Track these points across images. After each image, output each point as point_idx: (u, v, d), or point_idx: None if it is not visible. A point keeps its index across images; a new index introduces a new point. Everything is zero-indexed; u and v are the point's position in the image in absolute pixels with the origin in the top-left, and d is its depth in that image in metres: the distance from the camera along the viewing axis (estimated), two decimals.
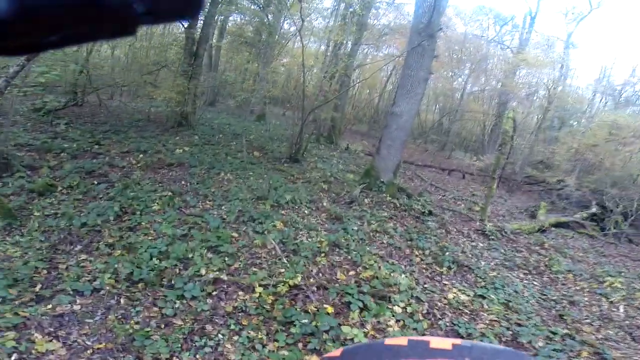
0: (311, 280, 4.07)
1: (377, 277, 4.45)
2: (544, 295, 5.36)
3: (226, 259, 4.05)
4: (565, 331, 4.38)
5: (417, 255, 5.52)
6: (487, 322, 4.33)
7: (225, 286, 3.63)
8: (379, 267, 4.73)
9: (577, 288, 5.83)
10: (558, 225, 9.38)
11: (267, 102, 11.20)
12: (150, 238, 4.11)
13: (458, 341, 0.33)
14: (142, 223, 4.41)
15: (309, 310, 3.52)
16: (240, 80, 10.44)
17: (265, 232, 4.84)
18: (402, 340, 0.34)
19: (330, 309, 3.60)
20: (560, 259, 6.77)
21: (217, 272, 3.70)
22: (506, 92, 13.82)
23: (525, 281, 5.75)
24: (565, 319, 4.72)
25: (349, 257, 4.84)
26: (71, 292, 3.06)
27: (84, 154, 6.19)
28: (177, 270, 3.64)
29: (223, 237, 4.44)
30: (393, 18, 15.46)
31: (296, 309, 3.50)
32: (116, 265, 3.43)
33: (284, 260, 4.22)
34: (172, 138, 8.19)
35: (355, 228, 5.66)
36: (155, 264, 3.59)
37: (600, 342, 4.30)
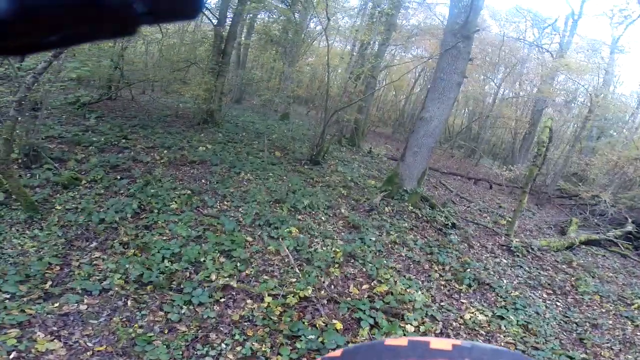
0: (322, 292, 3.95)
1: (391, 293, 4.29)
2: (567, 317, 5.13)
3: (238, 264, 4.00)
4: (583, 356, 4.22)
5: (436, 271, 5.29)
6: (502, 344, 4.13)
7: (234, 293, 3.57)
8: (395, 282, 4.55)
9: (603, 310, 5.57)
10: (589, 242, 8.81)
11: (291, 102, 11.14)
12: (164, 238, 4.13)
13: (458, 342, 0.32)
14: (159, 222, 4.44)
15: (317, 325, 3.41)
16: (266, 79, 10.39)
17: (280, 239, 4.76)
18: (403, 341, 0.34)
19: (339, 325, 3.47)
20: (588, 279, 6.39)
21: (228, 279, 3.65)
22: (542, 99, 13.04)
23: (548, 302, 5.48)
24: (585, 342, 4.54)
25: (364, 269, 4.69)
26: (80, 291, 3.09)
27: (111, 148, 6.35)
28: (188, 274, 3.62)
29: (237, 241, 4.40)
30: (423, 18, 14.98)
31: (304, 323, 3.40)
32: (127, 266, 3.44)
33: (297, 270, 4.12)
34: (196, 135, 8.29)
35: (373, 239, 5.49)
36: (167, 267, 3.58)
37: None
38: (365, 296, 4.16)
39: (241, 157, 7.81)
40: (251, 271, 3.99)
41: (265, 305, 3.48)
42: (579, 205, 11.99)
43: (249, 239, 4.66)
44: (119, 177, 5.40)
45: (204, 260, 3.88)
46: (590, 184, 11.95)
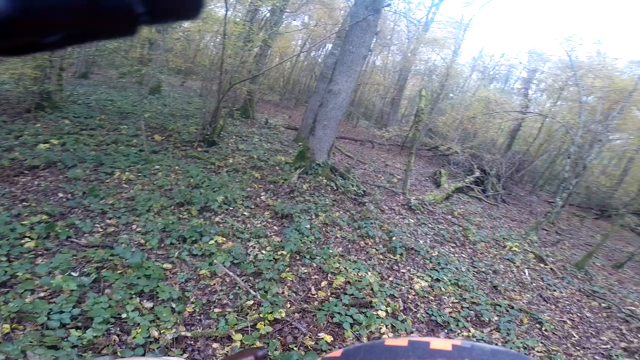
0: (289, 305, 3.42)
1: (349, 282, 4.08)
2: (475, 267, 5.77)
3: (173, 305, 3.02)
4: (506, 302, 4.81)
5: (370, 246, 5.33)
6: (451, 305, 4.43)
7: (192, 343, 2.68)
8: (346, 270, 4.34)
9: (491, 255, 6.48)
10: (456, 190, 10.55)
11: (164, 73, 9.13)
12: (43, 296, 2.71)
13: (458, 342, 0.32)
14: (19, 274, 2.87)
15: (309, 346, 2.92)
16: (125, 48, 8.04)
17: (207, 254, 3.85)
18: (403, 341, 0.33)
19: (327, 338, 3.07)
20: (471, 228, 7.51)
21: (174, 329, 2.70)
22: (407, 68, 14.62)
23: (456, 255, 6.14)
24: (499, 289, 5.20)
25: (314, 264, 4.30)
26: None
27: None
28: (117, 338, 2.51)
29: (153, 275, 3.25)
30: None
31: (294, 349, 2.86)
32: (22, 349, 2.11)
33: (252, 292, 3.41)
34: (30, 127, 5.92)
35: (308, 226, 5.10)
36: (79, 338, 2.37)
37: (528, 306, 4.90)
38: (329, 293, 3.84)
39: (108, 150, 6.00)
40: (194, 308, 3.08)
41: (239, 344, 2.76)
42: (438, 156, 14.28)
43: (167, 266, 3.53)
44: None
45: (126, 316, 2.76)
46: (444, 138, 14.24)
